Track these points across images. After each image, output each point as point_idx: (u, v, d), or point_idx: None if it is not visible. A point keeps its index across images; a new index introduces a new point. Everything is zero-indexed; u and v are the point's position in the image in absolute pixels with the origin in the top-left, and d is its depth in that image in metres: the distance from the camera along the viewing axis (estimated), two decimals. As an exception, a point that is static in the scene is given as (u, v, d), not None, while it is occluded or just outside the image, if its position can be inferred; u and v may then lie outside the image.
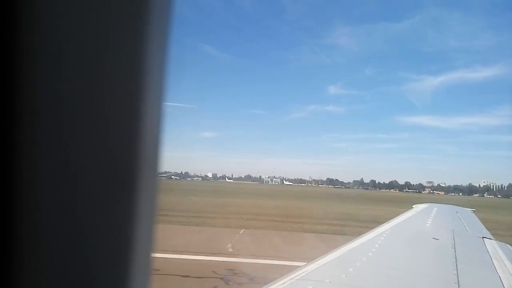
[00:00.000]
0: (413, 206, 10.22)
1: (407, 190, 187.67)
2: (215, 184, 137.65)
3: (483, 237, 6.64)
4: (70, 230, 0.52)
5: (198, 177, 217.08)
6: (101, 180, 0.53)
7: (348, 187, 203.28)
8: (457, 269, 4.10)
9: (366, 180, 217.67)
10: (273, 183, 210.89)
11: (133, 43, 0.54)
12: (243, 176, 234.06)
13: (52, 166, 0.50)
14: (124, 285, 0.56)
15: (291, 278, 3.46)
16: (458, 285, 3.58)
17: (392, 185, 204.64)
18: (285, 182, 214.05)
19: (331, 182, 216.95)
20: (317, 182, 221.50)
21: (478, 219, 9.57)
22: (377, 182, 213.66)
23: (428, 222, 7.36)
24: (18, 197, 0.49)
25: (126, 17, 0.53)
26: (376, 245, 4.76)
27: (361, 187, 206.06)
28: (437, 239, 5.71)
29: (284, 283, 3.37)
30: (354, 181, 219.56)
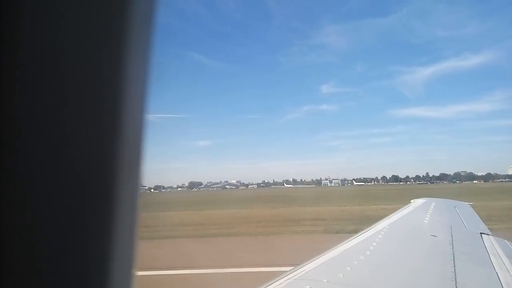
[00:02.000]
0: (411, 201, 10.22)
1: (500, 180, 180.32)
2: (288, 190, 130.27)
3: (481, 233, 6.65)
4: (49, 240, 0.50)
5: (253, 185, 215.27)
6: (81, 189, 0.52)
7: (418, 182, 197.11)
8: (454, 266, 4.10)
9: (431, 174, 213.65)
10: (333, 184, 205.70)
11: (114, 53, 0.53)
12: (280, 181, 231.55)
13: (31, 174, 0.49)
14: None
15: (289, 278, 3.46)
16: (456, 282, 3.59)
17: (472, 176, 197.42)
18: (355, 183, 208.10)
19: (395, 179, 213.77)
20: (384, 180, 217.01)
21: (476, 214, 9.58)
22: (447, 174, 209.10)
23: (426, 218, 7.37)
24: None
25: (108, 27, 0.52)
26: (374, 243, 4.76)
27: (428, 181, 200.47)
28: (435, 236, 5.72)
29: (281, 283, 3.37)
30: (416, 175, 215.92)
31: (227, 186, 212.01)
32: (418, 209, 8.86)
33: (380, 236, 5.30)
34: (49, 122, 0.49)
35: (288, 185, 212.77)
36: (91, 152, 0.52)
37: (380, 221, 6.79)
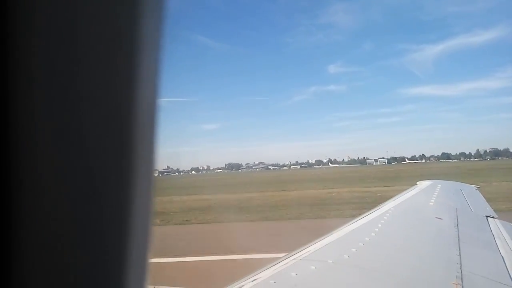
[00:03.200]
0: (417, 183, 10.20)
1: None
2: (342, 170, 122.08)
3: (486, 216, 6.64)
4: (64, 229, 0.51)
5: (295, 165, 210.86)
6: (95, 178, 0.52)
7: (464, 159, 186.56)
8: (459, 249, 4.11)
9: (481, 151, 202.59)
10: (379, 163, 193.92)
11: (126, 37, 0.52)
12: (314, 161, 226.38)
13: (45, 164, 0.49)
14: (119, 285, 0.55)
15: (294, 258, 3.48)
16: (460, 265, 3.60)
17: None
18: (407, 161, 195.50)
19: (447, 157, 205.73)
20: (432, 158, 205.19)
21: (482, 197, 9.55)
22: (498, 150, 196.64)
23: (431, 200, 7.36)
24: (12, 197, 0.49)
25: (120, 10, 0.52)
26: (379, 225, 4.77)
27: (486, 158, 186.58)
28: (441, 218, 5.72)
29: (287, 263, 3.40)
30: (461, 153, 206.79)
31: (269, 167, 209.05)
32: (424, 191, 8.85)
33: (386, 218, 5.30)
34: (63, 110, 0.50)
35: (333, 165, 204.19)
36: (106, 139, 0.53)
37: (386, 202, 6.79)
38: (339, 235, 4.26)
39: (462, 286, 3.10)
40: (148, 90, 0.57)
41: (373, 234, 4.32)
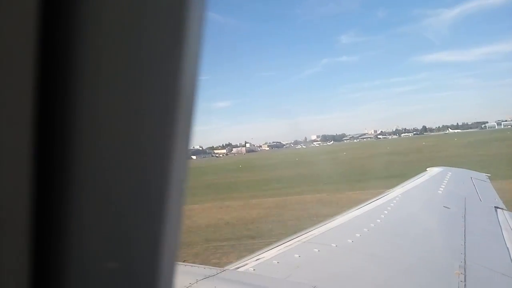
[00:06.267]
0: (427, 169, 10.09)
1: None
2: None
3: (495, 207, 6.57)
4: (100, 226, 0.53)
5: (407, 133, 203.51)
6: (131, 177, 0.54)
7: None
8: (465, 240, 4.09)
9: None
10: (502, 126, 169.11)
11: (171, 47, 0.53)
12: (392, 131, 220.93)
13: (86, 161, 0.51)
14: (150, 282, 0.57)
15: (298, 241, 3.53)
16: (465, 256, 3.60)
17: None
18: None
19: None
20: None
21: (492, 186, 9.41)
22: None
23: (440, 188, 7.30)
24: (54, 199, 0.51)
25: (165, 22, 0.53)
26: (386, 212, 4.77)
27: None
28: (448, 207, 5.68)
29: (291, 244, 3.44)
30: None
31: (379, 136, 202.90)
32: (434, 178, 8.76)
33: (392, 204, 5.29)
34: (104, 114, 0.51)
35: (453, 130, 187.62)
36: (145, 140, 0.54)
37: (394, 189, 6.77)
38: (344, 220, 4.29)
39: (465, 276, 3.11)
40: (189, 92, 0.58)
41: (378, 220, 4.33)
